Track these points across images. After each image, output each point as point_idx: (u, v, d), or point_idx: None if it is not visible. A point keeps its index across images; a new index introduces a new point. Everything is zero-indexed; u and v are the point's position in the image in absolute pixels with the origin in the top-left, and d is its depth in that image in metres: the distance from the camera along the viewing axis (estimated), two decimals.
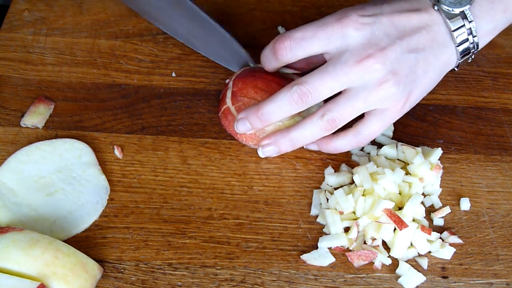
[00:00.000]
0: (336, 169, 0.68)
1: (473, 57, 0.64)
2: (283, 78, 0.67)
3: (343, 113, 0.62)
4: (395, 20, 0.61)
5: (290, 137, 0.64)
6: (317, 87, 0.61)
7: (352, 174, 0.66)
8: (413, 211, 0.62)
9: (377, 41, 0.60)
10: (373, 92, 0.61)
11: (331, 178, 0.66)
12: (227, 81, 0.71)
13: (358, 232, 0.62)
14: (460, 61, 0.64)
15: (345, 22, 0.61)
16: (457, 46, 0.62)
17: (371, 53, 0.60)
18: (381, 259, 0.61)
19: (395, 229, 0.61)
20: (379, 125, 0.63)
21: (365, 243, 0.62)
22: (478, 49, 0.63)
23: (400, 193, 0.64)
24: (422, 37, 0.61)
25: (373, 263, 0.61)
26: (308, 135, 0.63)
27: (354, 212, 0.63)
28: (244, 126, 0.65)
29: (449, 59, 0.63)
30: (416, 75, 0.62)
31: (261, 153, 0.66)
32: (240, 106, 0.67)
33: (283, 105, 0.62)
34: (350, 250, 0.61)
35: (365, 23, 0.60)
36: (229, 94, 0.68)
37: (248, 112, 0.64)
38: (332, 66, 0.61)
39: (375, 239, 0.62)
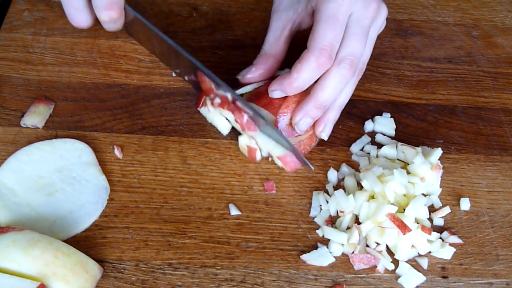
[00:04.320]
0: (336, 169, 0.68)
1: None
2: None
3: (348, 44, 0.62)
4: None
5: (318, 103, 0.64)
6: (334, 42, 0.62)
7: (353, 174, 0.66)
8: (416, 212, 0.62)
9: None
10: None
11: (334, 178, 0.66)
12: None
13: (360, 236, 0.61)
14: None
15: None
16: None
17: None
18: (384, 263, 0.61)
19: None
20: (358, 38, 0.63)
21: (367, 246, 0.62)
22: None
23: (404, 195, 0.64)
24: None
25: (376, 266, 0.61)
26: (336, 90, 0.63)
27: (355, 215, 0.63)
28: (279, 95, 0.64)
29: None
30: None
31: (299, 130, 0.65)
32: None
33: (313, 70, 0.62)
34: (353, 251, 0.61)
35: None
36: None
37: (281, 84, 0.64)
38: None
39: (378, 243, 0.62)
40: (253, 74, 0.67)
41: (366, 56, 0.66)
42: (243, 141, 0.66)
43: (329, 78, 0.63)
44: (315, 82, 0.64)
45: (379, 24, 0.67)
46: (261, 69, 0.67)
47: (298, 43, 0.67)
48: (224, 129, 0.69)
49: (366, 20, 0.64)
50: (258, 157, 0.66)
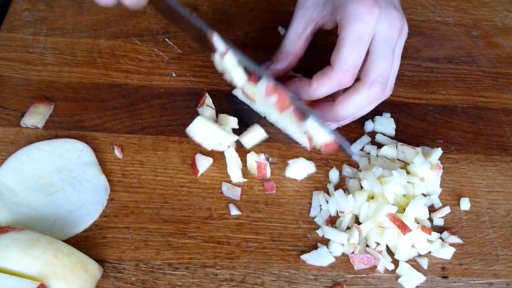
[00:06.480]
0: (337, 169, 0.68)
1: None
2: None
3: (378, 66, 0.62)
4: None
5: (337, 116, 0.64)
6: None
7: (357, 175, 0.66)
8: (416, 212, 0.62)
9: None
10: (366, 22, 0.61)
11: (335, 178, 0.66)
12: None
13: (360, 236, 0.61)
14: None
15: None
16: None
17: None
18: (384, 263, 0.61)
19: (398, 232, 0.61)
20: (387, 59, 0.63)
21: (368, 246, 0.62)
22: None
23: (404, 195, 0.64)
24: None
25: (376, 266, 0.61)
26: (359, 108, 0.64)
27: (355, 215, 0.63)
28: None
29: None
30: None
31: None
32: None
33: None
34: (353, 251, 0.61)
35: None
36: None
37: (299, 92, 0.64)
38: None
39: (378, 243, 0.62)
40: (271, 71, 0.67)
41: (393, 75, 0.66)
42: (251, 158, 0.66)
43: (357, 97, 0.63)
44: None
45: (403, 41, 0.66)
46: (280, 66, 0.67)
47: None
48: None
49: (393, 39, 0.63)
50: (268, 173, 0.66)
